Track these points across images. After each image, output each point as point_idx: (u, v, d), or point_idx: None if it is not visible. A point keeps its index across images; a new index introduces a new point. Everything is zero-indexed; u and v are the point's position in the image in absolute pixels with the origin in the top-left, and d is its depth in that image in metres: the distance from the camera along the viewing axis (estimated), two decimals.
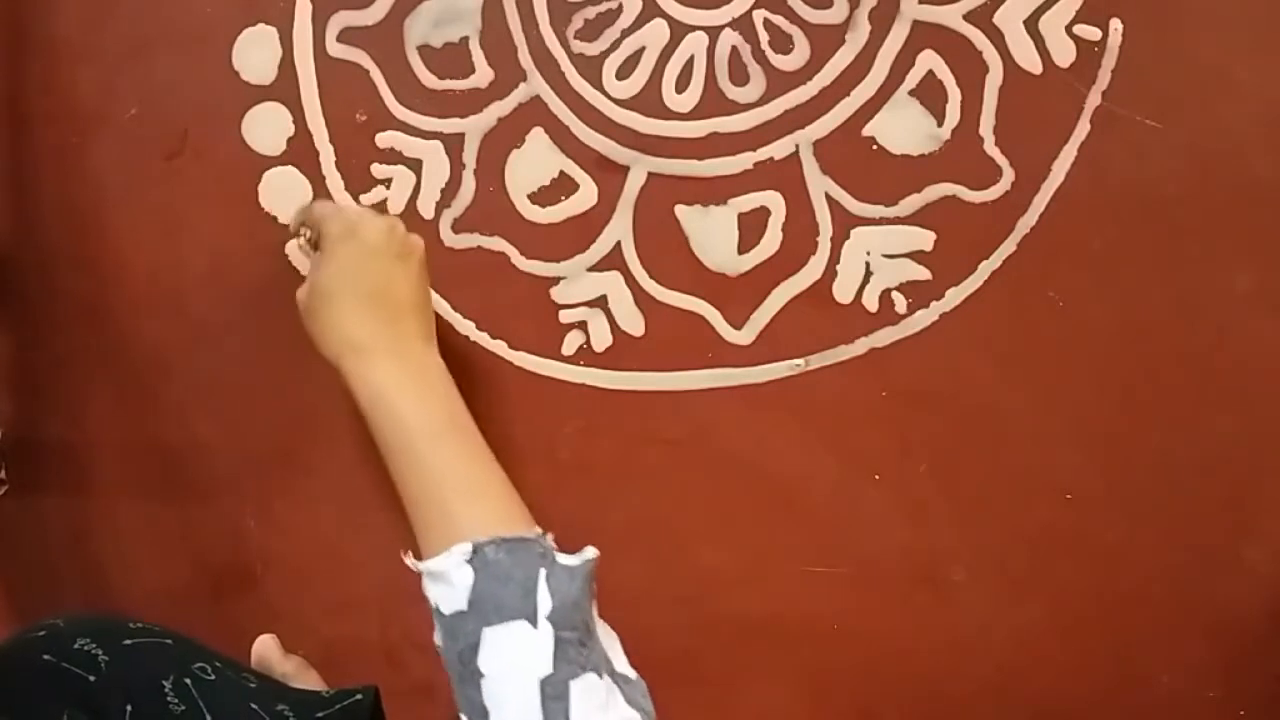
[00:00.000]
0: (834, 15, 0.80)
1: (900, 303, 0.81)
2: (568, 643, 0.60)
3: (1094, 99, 0.78)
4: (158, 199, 0.86)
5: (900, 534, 0.83)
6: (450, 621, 0.62)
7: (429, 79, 0.83)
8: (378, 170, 0.84)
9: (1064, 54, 0.78)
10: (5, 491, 0.89)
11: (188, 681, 0.64)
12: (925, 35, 0.79)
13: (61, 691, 0.61)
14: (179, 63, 0.85)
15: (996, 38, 0.79)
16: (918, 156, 0.80)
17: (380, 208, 0.84)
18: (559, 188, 0.83)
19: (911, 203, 0.80)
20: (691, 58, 0.81)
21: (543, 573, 0.62)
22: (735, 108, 0.81)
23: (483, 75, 0.83)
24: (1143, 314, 0.80)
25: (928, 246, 0.81)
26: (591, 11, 0.82)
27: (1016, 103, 0.79)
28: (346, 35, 0.84)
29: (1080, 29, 0.78)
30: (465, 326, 0.84)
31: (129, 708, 0.62)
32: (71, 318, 0.88)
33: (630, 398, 0.84)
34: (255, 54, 0.84)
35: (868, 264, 0.81)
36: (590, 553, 0.64)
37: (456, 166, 0.84)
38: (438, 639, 0.63)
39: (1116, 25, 0.78)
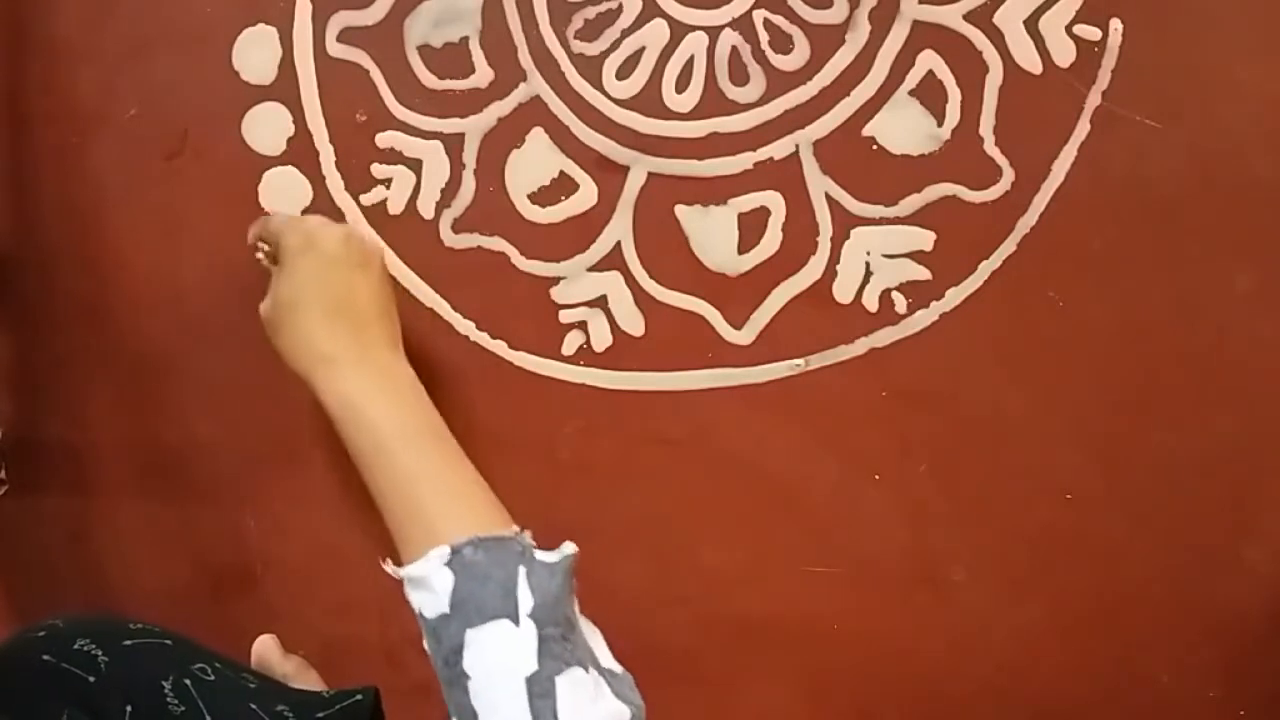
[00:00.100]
0: (834, 15, 0.80)
1: (900, 303, 0.81)
2: (551, 639, 0.60)
3: (1094, 99, 0.78)
4: (158, 199, 0.86)
5: (900, 534, 0.83)
6: (434, 625, 0.62)
7: (429, 79, 0.83)
8: (378, 170, 0.84)
9: (1064, 54, 0.78)
10: (5, 491, 0.89)
11: (187, 682, 0.65)
12: (925, 35, 0.79)
13: (61, 692, 0.61)
14: (179, 63, 0.85)
15: (996, 38, 0.79)
16: (918, 156, 0.80)
17: (380, 208, 0.84)
18: (559, 188, 0.83)
19: (911, 203, 0.80)
20: (691, 58, 0.81)
21: (522, 571, 0.62)
22: (735, 108, 0.81)
23: (483, 75, 0.83)
24: (1143, 314, 0.80)
25: (928, 246, 0.81)
26: (591, 11, 0.82)
27: (1016, 103, 0.79)
28: (346, 35, 0.84)
29: (1080, 29, 0.78)
30: (465, 326, 0.84)
31: (128, 708, 0.62)
32: (71, 318, 0.88)
33: (630, 398, 0.84)
34: (255, 54, 0.84)
35: (868, 264, 0.81)
36: (569, 548, 0.64)
37: (456, 166, 0.84)
38: (425, 642, 0.63)
39: (1116, 25, 0.78)
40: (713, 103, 0.81)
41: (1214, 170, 0.78)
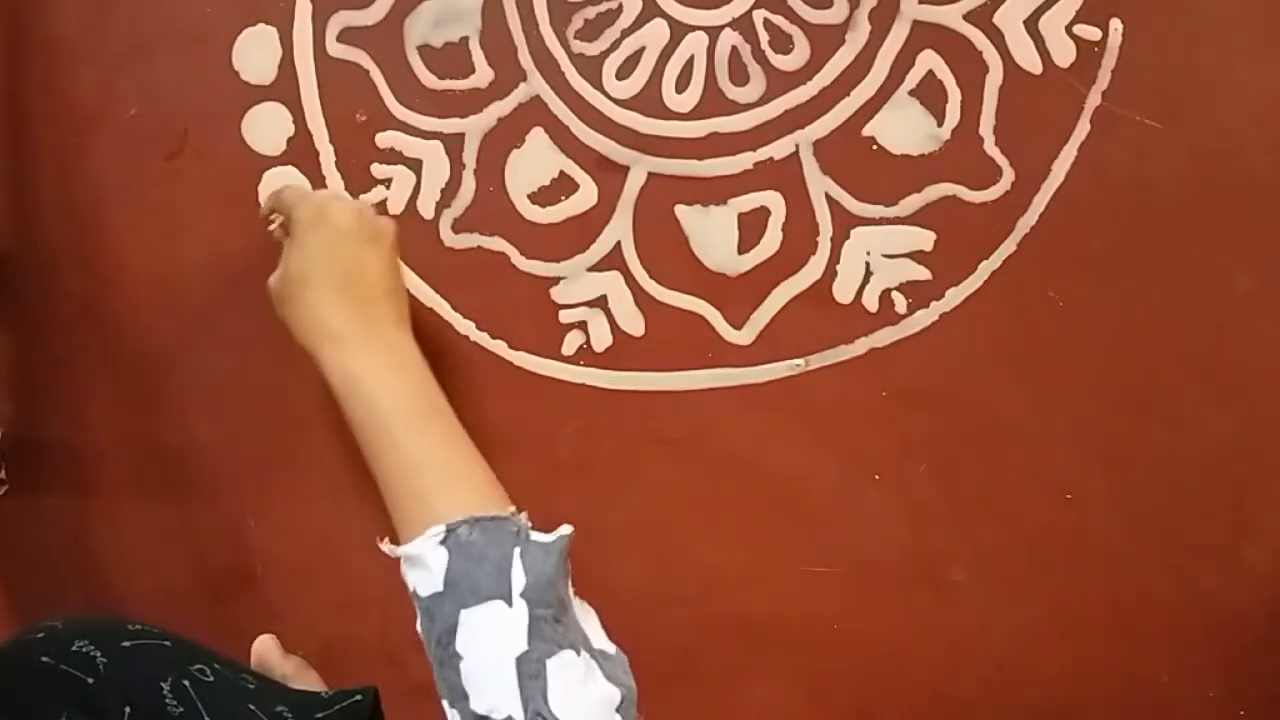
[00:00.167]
0: (834, 15, 0.80)
1: (900, 303, 0.81)
2: (543, 620, 0.60)
3: (1094, 99, 0.78)
4: (158, 199, 0.86)
5: (900, 534, 0.83)
6: (428, 604, 0.62)
7: (429, 79, 0.83)
8: (378, 170, 0.84)
9: (1064, 54, 0.78)
10: (5, 491, 0.89)
11: (186, 683, 0.65)
12: (925, 35, 0.79)
13: (60, 693, 0.61)
14: (179, 63, 0.85)
15: (996, 38, 0.79)
16: (918, 156, 0.80)
17: (380, 208, 0.84)
18: (559, 188, 0.83)
19: (911, 203, 0.80)
20: (691, 58, 0.81)
21: (517, 551, 0.61)
22: (735, 108, 0.81)
23: (483, 75, 0.83)
24: (1143, 314, 0.80)
25: (928, 246, 0.81)
26: (591, 11, 0.82)
27: (1016, 103, 0.79)
28: (346, 35, 0.84)
29: (1080, 29, 0.78)
30: (465, 326, 0.84)
31: (127, 709, 0.62)
32: (71, 318, 0.88)
33: (630, 398, 0.84)
34: (255, 54, 0.84)
35: (868, 264, 0.81)
36: (565, 529, 0.64)
37: (456, 166, 0.84)
38: (419, 624, 0.63)
39: (1116, 25, 0.78)
40: (713, 103, 0.81)
41: (1214, 170, 0.78)
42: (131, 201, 0.86)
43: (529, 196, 0.83)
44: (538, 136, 0.83)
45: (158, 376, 0.87)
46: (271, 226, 0.80)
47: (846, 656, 0.84)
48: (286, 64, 0.84)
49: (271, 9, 0.84)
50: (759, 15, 0.80)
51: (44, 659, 0.62)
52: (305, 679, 0.81)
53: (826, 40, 0.80)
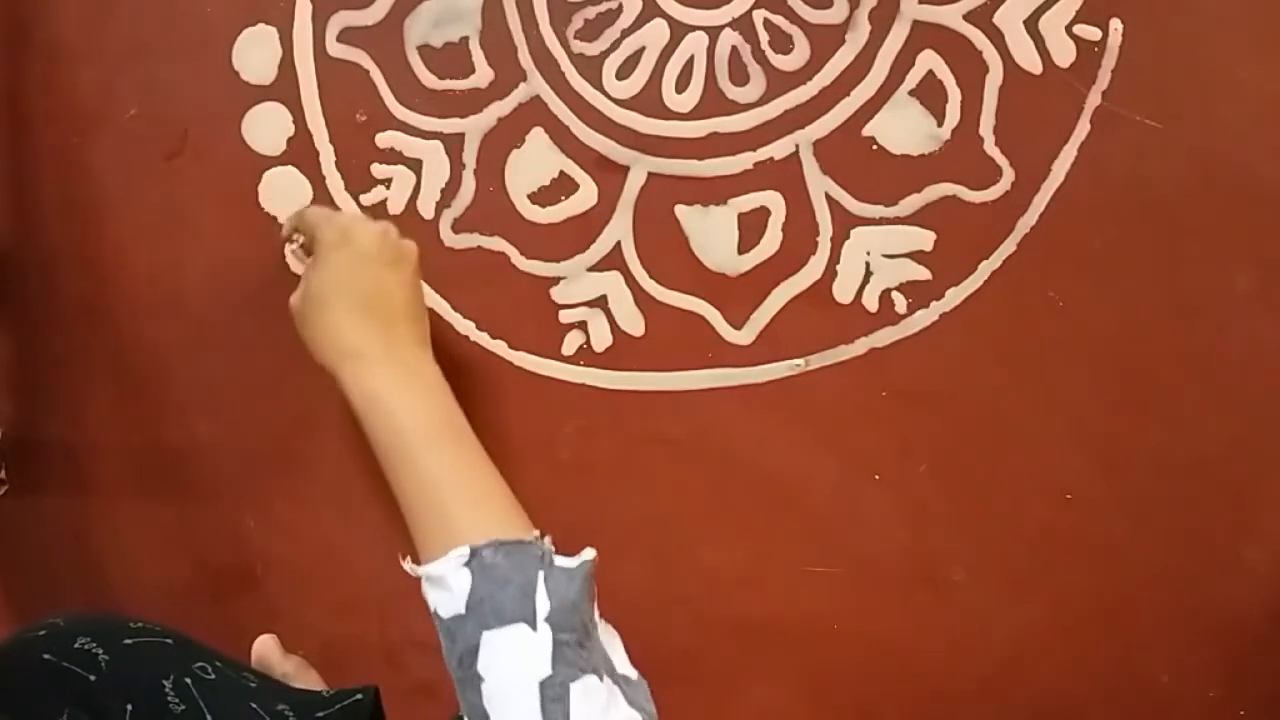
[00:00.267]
0: (834, 15, 0.80)
1: (900, 303, 0.81)
2: (566, 644, 0.60)
3: (1094, 99, 0.78)
4: (158, 199, 0.86)
5: (900, 534, 0.83)
6: (449, 625, 0.62)
7: (429, 79, 0.83)
8: (378, 170, 0.84)
9: (1064, 54, 0.78)
10: (5, 491, 0.89)
11: (188, 681, 0.65)
12: (925, 35, 0.79)
13: (62, 691, 0.61)
14: (179, 63, 0.85)
15: (996, 38, 0.79)
16: (918, 156, 0.80)
17: (380, 208, 0.84)
18: (559, 188, 0.83)
19: (911, 203, 0.80)
20: (691, 58, 0.81)
21: (541, 575, 0.61)
22: (735, 108, 0.81)
23: (483, 75, 0.83)
24: (1143, 314, 0.80)
25: (928, 246, 0.81)
26: (591, 11, 0.82)
27: (1016, 103, 0.79)
28: (346, 35, 0.84)
29: (1080, 29, 0.78)
30: (465, 326, 0.84)
31: (129, 707, 0.62)
32: (71, 318, 0.88)
33: (630, 398, 0.84)
34: (255, 54, 0.84)
35: (868, 264, 0.81)
36: (588, 554, 0.64)
37: (456, 166, 0.84)
38: (441, 641, 0.63)
39: (1116, 25, 0.78)
40: (713, 103, 0.81)
41: (1214, 170, 0.78)
42: (131, 201, 0.86)
43: (529, 196, 0.83)
44: (538, 136, 0.83)
45: (158, 376, 0.87)
46: (292, 247, 0.80)
47: (846, 656, 0.84)
48: (286, 64, 0.84)
49: (271, 9, 0.84)
50: (759, 15, 0.80)
51: (46, 656, 0.62)
52: (306, 678, 0.81)
53: (826, 40, 0.80)
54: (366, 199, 0.84)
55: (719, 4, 0.81)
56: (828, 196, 0.81)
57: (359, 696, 0.72)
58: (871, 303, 0.81)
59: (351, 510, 0.85)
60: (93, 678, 0.62)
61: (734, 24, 0.81)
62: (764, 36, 0.81)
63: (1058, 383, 0.81)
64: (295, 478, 0.87)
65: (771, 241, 0.82)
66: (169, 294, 0.87)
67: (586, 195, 0.83)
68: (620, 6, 0.82)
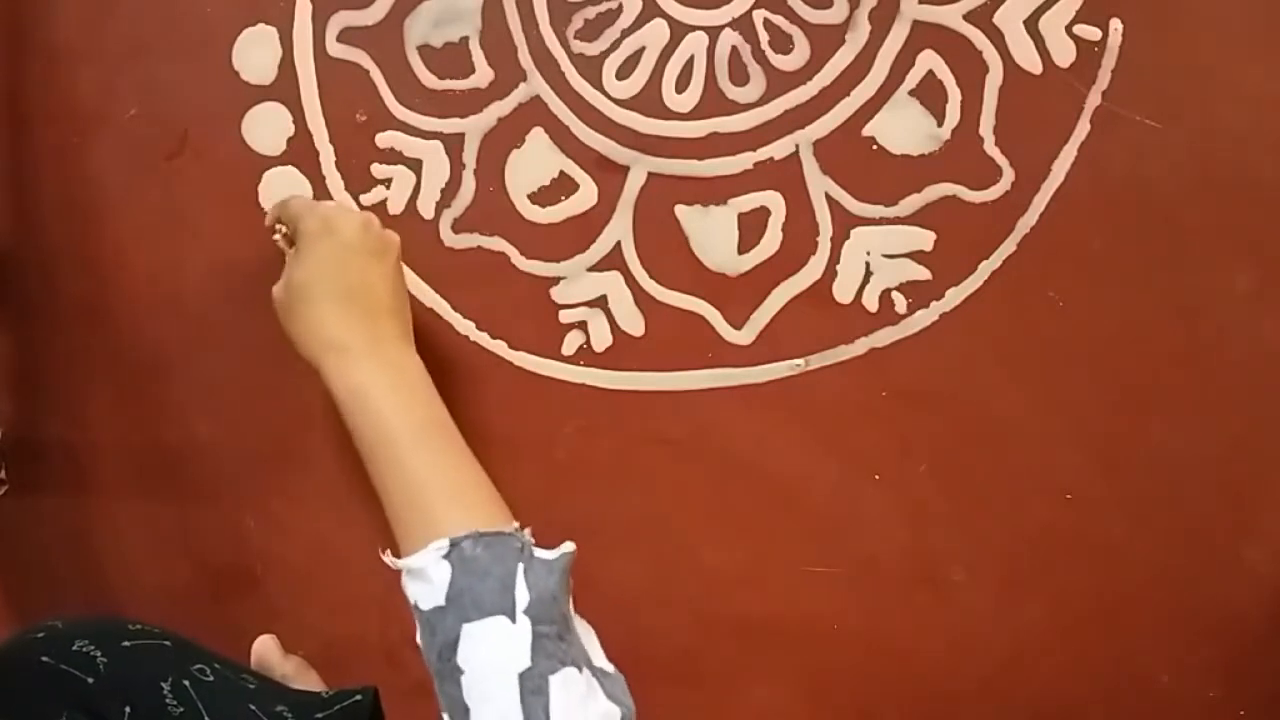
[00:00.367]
0: (834, 15, 0.80)
1: (900, 303, 0.81)
2: (546, 637, 0.60)
3: (1094, 99, 0.78)
4: (158, 199, 0.86)
5: (900, 534, 0.83)
6: (429, 617, 0.62)
7: (429, 79, 0.83)
8: (378, 170, 0.84)
9: (1064, 54, 0.78)
10: (5, 491, 0.89)
11: (186, 683, 0.65)
12: (925, 35, 0.79)
13: (60, 693, 0.61)
14: (179, 63, 0.85)
15: (996, 38, 0.79)
16: (918, 156, 0.80)
17: (380, 208, 0.84)
18: (559, 188, 0.83)
19: (911, 203, 0.80)
20: (691, 58, 0.81)
21: (520, 567, 0.62)
22: (735, 108, 0.81)
23: (483, 75, 0.83)
24: (1143, 314, 0.80)
25: (928, 246, 0.81)
26: (591, 11, 0.82)
27: (1016, 103, 0.79)
28: (346, 35, 0.84)
29: (1080, 29, 0.78)
30: (465, 326, 0.84)
31: (128, 709, 0.62)
32: (71, 318, 0.88)
33: (630, 398, 0.84)
34: (255, 54, 0.84)
35: (868, 264, 0.81)
36: (568, 547, 0.64)
37: (456, 166, 0.84)
38: (419, 636, 0.63)
39: (1116, 25, 0.78)
40: (713, 103, 0.81)
41: (1214, 170, 0.78)
42: (131, 201, 0.86)
43: (529, 196, 0.83)
44: (538, 136, 0.83)
45: (158, 376, 0.87)
46: (275, 236, 0.80)
47: (846, 656, 0.84)
48: (286, 64, 0.84)
49: (271, 9, 0.84)
50: (759, 15, 0.80)
51: (44, 659, 0.62)
52: (305, 679, 0.81)
53: (826, 40, 0.80)
54: (366, 199, 0.84)
55: (719, 4, 0.81)
56: (828, 196, 0.81)
57: (358, 697, 0.72)
58: (871, 303, 0.81)
59: (351, 510, 0.84)
60: (91, 680, 0.62)
61: (734, 24, 0.81)
62: (764, 36, 0.81)
63: (1058, 383, 0.81)
64: (295, 478, 0.87)
65: (771, 241, 0.82)
66: (169, 294, 0.87)
67: (586, 195, 0.83)
68: (620, 6, 0.82)
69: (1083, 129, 0.78)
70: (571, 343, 0.84)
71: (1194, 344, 0.79)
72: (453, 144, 0.83)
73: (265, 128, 0.85)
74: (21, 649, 0.63)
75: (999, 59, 0.79)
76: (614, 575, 0.82)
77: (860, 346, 0.82)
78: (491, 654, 0.60)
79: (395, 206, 0.84)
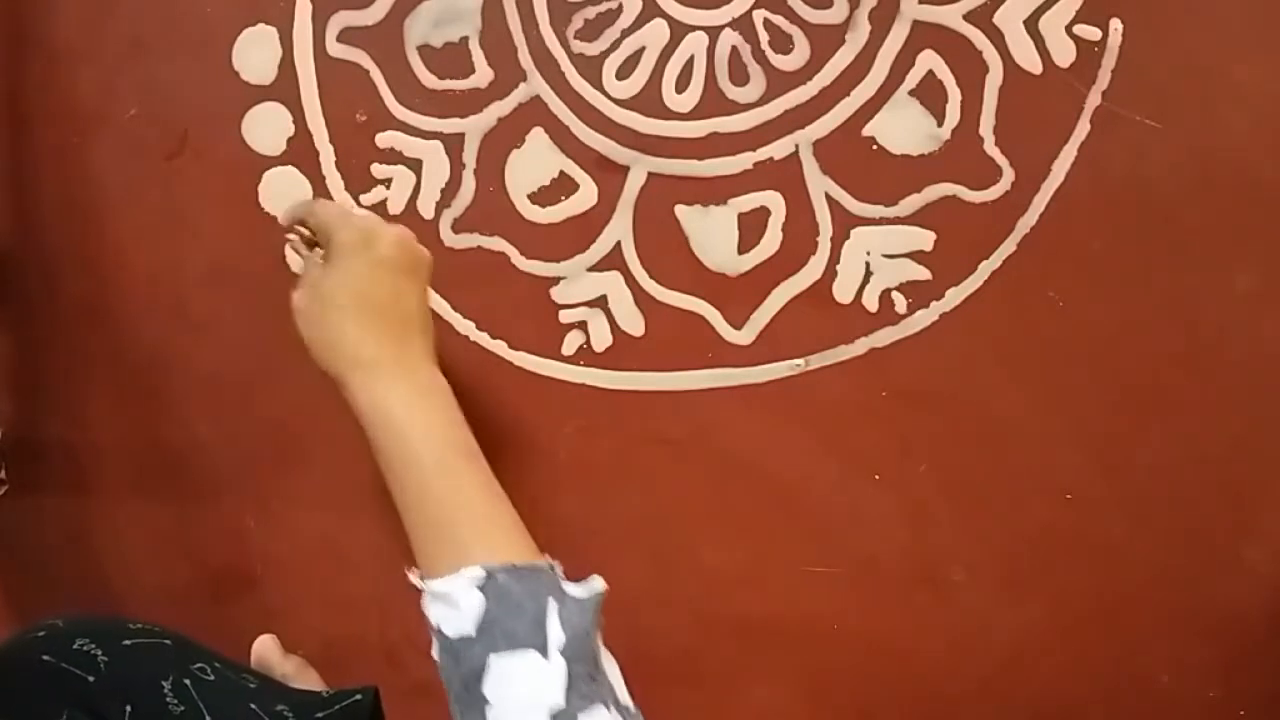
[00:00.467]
0: (834, 15, 0.80)
1: (900, 303, 0.81)
2: (580, 677, 0.59)
3: (1094, 99, 0.78)
4: (158, 199, 0.86)
5: (900, 534, 0.83)
6: (454, 645, 0.60)
7: (429, 79, 0.83)
8: (378, 170, 0.84)
9: (1064, 54, 0.78)
10: (5, 491, 0.89)
11: (187, 682, 0.65)
12: (925, 35, 0.79)
13: (61, 692, 0.61)
14: (179, 63, 0.85)
15: (996, 38, 0.79)
16: (918, 156, 0.80)
17: (380, 208, 0.84)
18: (559, 188, 0.83)
19: (911, 203, 0.80)
20: (691, 58, 0.81)
21: (553, 604, 0.60)
22: (735, 108, 0.81)
23: (483, 75, 0.83)
24: (1143, 314, 0.80)
25: (928, 246, 0.81)
26: (591, 11, 0.82)
27: (1016, 103, 0.79)
28: (346, 35, 0.84)
29: (1080, 29, 0.78)
30: (465, 326, 0.84)
31: (128, 708, 0.62)
32: (71, 318, 0.88)
33: (630, 398, 0.84)
34: (255, 54, 0.84)
35: (868, 264, 0.81)
36: (598, 584, 0.63)
37: (456, 166, 0.84)
38: (437, 656, 0.62)
39: (1116, 25, 0.78)
40: (713, 103, 0.81)
41: (1214, 170, 0.78)
42: (131, 201, 0.86)
43: (529, 196, 0.83)
44: (538, 136, 0.83)
45: (158, 376, 0.87)
46: (291, 237, 0.79)
47: (846, 656, 0.84)
48: (286, 64, 0.84)
49: (271, 9, 0.84)
50: (759, 15, 0.80)
51: (45, 657, 0.62)
52: (305, 678, 0.81)
53: (826, 40, 0.80)
54: (366, 199, 0.84)
55: (719, 4, 0.81)
56: (828, 196, 0.81)
57: (358, 697, 0.72)
58: (871, 303, 0.81)
59: (351, 510, 0.85)
60: (92, 679, 0.62)
61: (734, 24, 0.81)
62: (764, 36, 0.81)
63: (1058, 383, 0.81)
64: (295, 478, 0.87)
65: (771, 241, 0.82)
66: (169, 294, 0.87)
67: (586, 195, 0.83)
68: (620, 6, 0.82)
69: (1083, 129, 0.78)
70: (571, 343, 0.84)
71: (1194, 344, 0.80)
72: (453, 144, 0.84)
73: (265, 128, 0.85)
74: (22, 648, 0.63)
75: (999, 59, 0.79)
76: (614, 575, 0.81)
77: (860, 346, 0.82)
78: (523, 690, 0.58)
79: (395, 206, 0.84)
